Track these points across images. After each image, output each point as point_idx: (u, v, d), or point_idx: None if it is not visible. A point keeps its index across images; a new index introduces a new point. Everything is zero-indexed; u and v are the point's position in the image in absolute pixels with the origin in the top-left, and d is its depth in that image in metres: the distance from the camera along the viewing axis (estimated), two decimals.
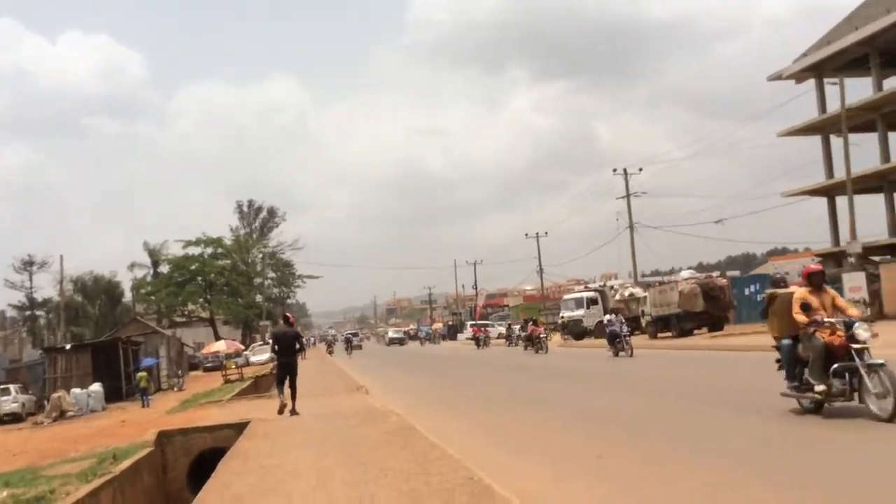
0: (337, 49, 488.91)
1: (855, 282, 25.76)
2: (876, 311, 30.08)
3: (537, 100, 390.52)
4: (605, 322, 28.35)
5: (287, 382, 14.62)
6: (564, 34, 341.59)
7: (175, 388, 40.87)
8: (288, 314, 16.38)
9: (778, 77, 47.98)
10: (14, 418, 34.76)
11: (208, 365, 55.23)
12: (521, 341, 39.55)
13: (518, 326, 54.91)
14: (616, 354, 26.42)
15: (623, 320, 28.33)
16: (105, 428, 22.71)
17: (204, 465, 11.91)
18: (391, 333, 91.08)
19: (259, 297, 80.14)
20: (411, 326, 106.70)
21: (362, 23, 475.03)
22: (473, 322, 73.87)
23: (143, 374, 35.09)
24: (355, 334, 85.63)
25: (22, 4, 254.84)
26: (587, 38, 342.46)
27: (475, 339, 49.02)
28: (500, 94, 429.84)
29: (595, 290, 47.78)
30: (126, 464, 11.79)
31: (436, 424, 12.11)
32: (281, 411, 14.41)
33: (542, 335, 34.71)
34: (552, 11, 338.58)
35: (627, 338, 26.75)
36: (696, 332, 35.54)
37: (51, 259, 73.01)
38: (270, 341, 16.04)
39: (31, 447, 19.54)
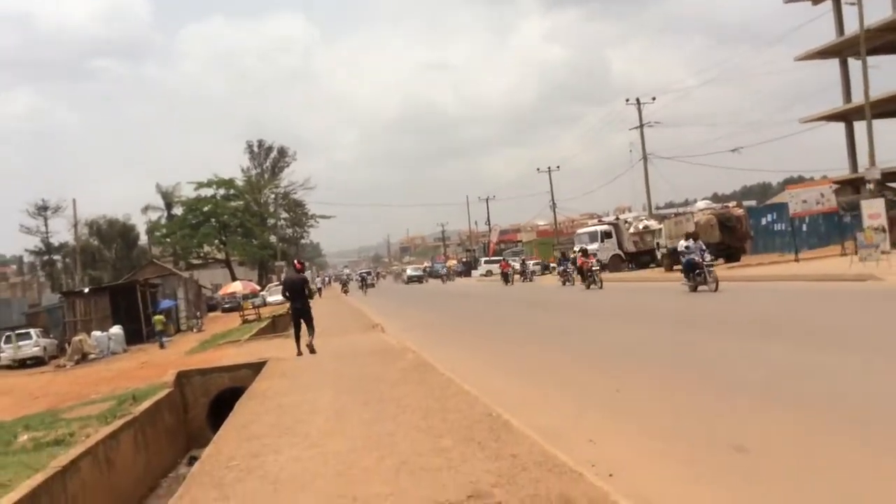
0: None
1: (874, 209, 25.27)
2: (895, 237, 29.74)
3: (547, 29, 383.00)
4: (682, 249, 23.15)
5: (303, 326, 15.17)
6: None
7: (194, 329, 41.20)
8: (296, 261, 17.05)
9: None
10: (37, 362, 35.30)
11: (226, 306, 55.62)
12: (565, 276, 35.92)
13: (535, 262, 54.72)
14: (695, 289, 21.93)
15: (704, 247, 22.64)
16: (126, 370, 22.94)
17: (223, 405, 12.00)
18: (409, 271, 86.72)
19: (273, 238, 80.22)
20: (426, 264, 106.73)
21: None
22: (488, 258, 73.87)
23: (160, 316, 35.36)
24: (369, 273, 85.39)
25: None
26: None
27: (503, 274, 47.99)
28: (509, 25, 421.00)
29: (609, 224, 47.43)
30: (146, 405, 11.88)
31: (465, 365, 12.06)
32: (299, 353, 14.83)
33: (594, 268, 30.88)
34: None
35: (711, 269, 22.09)
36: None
37: (64, 203, 73.20)
38: (282, 288, 16.49)
39: (53, 390, 19.79)
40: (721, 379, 8.73)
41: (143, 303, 39.85)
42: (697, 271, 21.84)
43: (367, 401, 8.81)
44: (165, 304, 40.99)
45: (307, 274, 17.18)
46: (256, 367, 13.58)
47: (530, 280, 46.39)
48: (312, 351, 14.68)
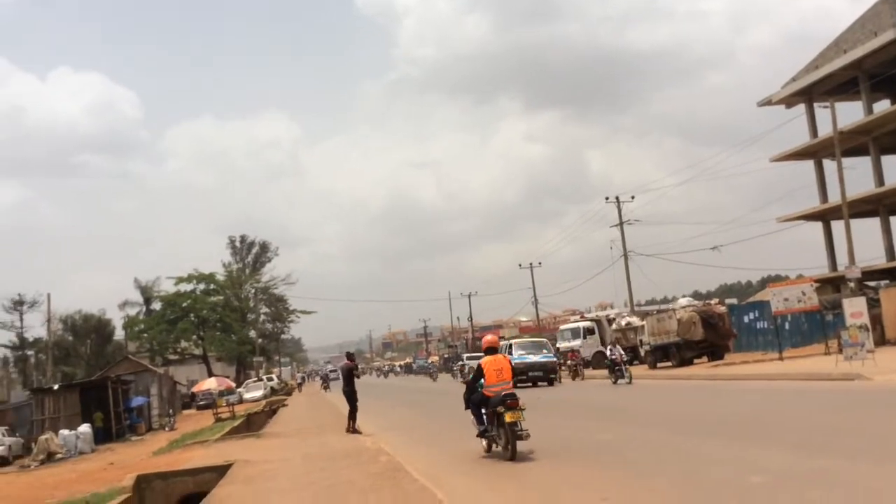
0: (325, 86, 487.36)
1: (856, 307, 25.14)
2: (878, 336, 29.57)
3: (528, 130, 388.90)
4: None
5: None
6: (553, 64, 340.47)
7: (166, 428, 40.00)
8: (350, 352, 21.64)
9: (768, 102, 47.85)
10: (0, 461, 33.85)
11: (201, 403, 54.29)
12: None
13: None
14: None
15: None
16: (90, 472, 21.92)
17: None
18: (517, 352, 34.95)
19: (252, 333, 79.29)
20: (407, 360, 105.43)
21: (350, 59, 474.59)
22: (470, 355, 72.71)
23: (99, 414, 34.72)
24: (334, 370, 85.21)
25: (9, 41, 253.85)
26: (576, 68, 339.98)
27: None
28: (491, 125, 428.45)
29: (592, 320, 47.15)
30: None
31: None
32: (348, 430, 17.60)
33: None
34: (539, 42, 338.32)
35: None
36: (696, 361, 34.91)
37: (41, 298, 71.96)
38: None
39: (6, 493, 18.76)
40: (714, 484, 8.19)
41: (114, 400, 38.69)
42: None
43: None
44: (137, 401, 39.95)
45: (358, 365, 22.50)
46: (221, 470, 12.87)
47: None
48: (357, 432, 17.21)
